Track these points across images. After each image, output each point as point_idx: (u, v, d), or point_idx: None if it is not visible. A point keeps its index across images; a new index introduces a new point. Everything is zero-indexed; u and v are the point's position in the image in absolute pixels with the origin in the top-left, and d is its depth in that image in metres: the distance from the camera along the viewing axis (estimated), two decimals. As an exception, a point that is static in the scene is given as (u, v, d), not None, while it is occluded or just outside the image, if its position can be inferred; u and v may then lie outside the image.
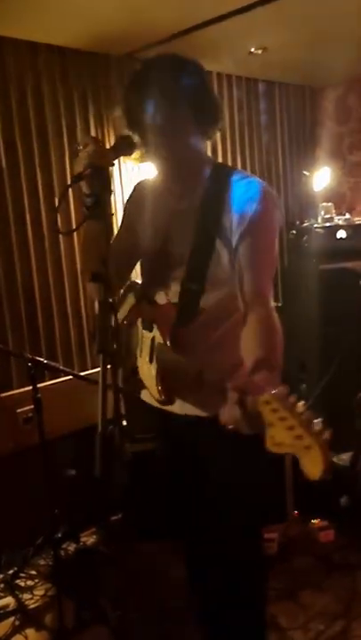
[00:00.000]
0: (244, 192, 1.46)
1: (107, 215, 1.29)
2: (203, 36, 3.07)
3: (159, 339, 1.56)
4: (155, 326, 1.58)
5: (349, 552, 2.69)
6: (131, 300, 1.73)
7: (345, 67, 3.96)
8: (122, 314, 1.73)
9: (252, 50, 3.38)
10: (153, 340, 1.58)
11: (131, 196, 1.73)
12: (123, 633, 2.09)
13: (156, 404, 1.62)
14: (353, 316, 3.06)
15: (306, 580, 2.51)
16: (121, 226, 1.73)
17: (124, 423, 3.01)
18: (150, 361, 1.58)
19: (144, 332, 1.64)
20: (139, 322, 1.67)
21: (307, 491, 2.95)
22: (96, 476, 1.09)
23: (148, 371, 1.60)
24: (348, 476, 2.80)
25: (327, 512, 2.91)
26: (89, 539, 2.85)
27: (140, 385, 1.67)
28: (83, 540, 2.73)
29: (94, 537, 2.87)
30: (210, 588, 1.73)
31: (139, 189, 1.71)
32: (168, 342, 1.53)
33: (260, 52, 3.39)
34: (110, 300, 1.24)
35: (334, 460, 3.13)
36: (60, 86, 3.10)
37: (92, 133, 3.23)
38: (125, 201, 1.76)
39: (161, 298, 1.60)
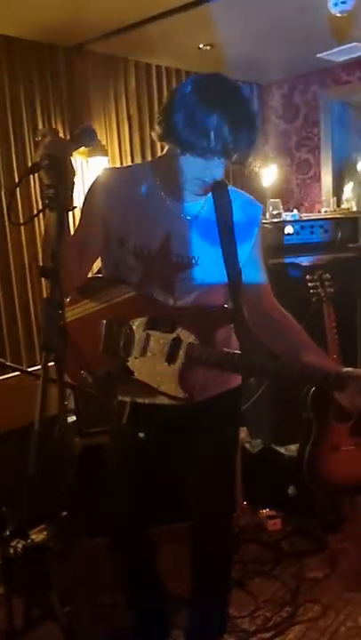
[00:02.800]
0: (244, 199, 1.66)
1: (62, 208, 1.26)
2: (152, 30, 3.07)
3: (190, 339, 1.56)
4: (179, 327, 1.56)
5: (297, 540, 2.76)
6: (111, 297, 1.64)
7: (289, 64, 4.05)
8: (95, 307, 1.65)
9: (201, 46, 3.40)
10: (177, 340, 1.56)
11: (99, 186, 1.60)
12: (73, 629, 2.08)
13: (150, 401, 1.61)
14: (300, 310, 3.12)
15: (255, 569, 2.56)
16: (88, 216, 1.61)
17: (74, 418, 2.97)
18: (170, 362, 1.56)
19: (151, 332, 1.58)
20: (137, 322, 1.59)
21: (255, 481, 3.01)
22: (30, 474, 1.07)
23: (161, 371, 1.57)
24: (296, 466, 2.86)
25: (275, 502, 2.97)
26: (39, 535, 2.82)
27: (127, 386, 1.62)
28: (32, 537, 2.70)
29: (44, 533, 2.84)
30: (210, 558, 1.89)
31: (112, 180, 1.60)
32: (208, 342, 1.57)
33: (208, 48, 3.42)
34: (58, 296, 1.22)
35: (282, 450, 3.21)
36: (6, 76, 3.04)
37: (39, 124, 3.19)
38: (92, 190, 1.61)
39: (163, 298, 1.60)
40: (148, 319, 1.58)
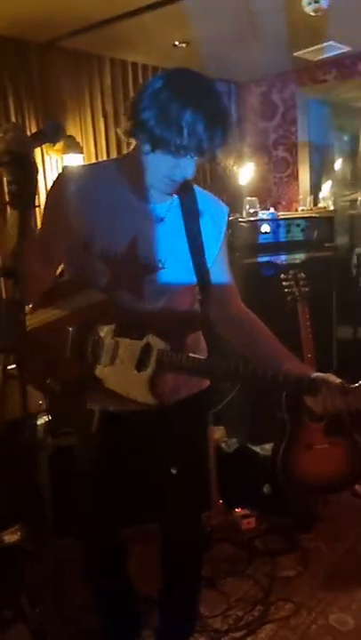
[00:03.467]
0: (210, 201, 1.65)
1: (25, 206, 1.24)
2: (126, 26, 3.06)
3: (160, 345, 1.51)
4: (149, 334, 1.52)
5: (270, 539, 2.77)
6: (78, 302, 1.58)
7: (266, 63, 4.05)
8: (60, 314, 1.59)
9: (176, 43, 3.39)
10: (147, 347, 1.52)
11: (63, 185, 1.53)
12: (43, 631, 2.07)
13: (119, 408, 1.58)
14: (275, 309, 3.13)
15: (228, 568, 2.56)
16: (50, 215, 1.55)
17: (48, 418, 2.93)
18: (139, 369, 1.52)
19: (120, 339, 1.53)
20: (105, 329, 1.54)
21: (231, 480, 3.01)
22: None
23: (130, 379, 1.53)
24: (270, 465, 2.86)
25: (250, 501, 2.98)
26: (12, 537, 2.79)
27: (96, 394, 1.58)
28: (5, 538, 2.68)
29: (18, 534, 2.82)
30: (180, 559, 1.91)
31: (75, 180, 1.53)
32: (178, 348, 1.53)
33: (183, 45, 3.40)
34: (18, 297, 1.21)
35: (257, 450, 3.21)
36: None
37: (12, 119, 3.15)
38: (54, 188, 1.55)
39: (131, 302, 1.56)
40: (116, 326, 1.53)
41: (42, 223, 1.57)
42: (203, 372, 1.59)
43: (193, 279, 1.60)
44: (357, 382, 1.51)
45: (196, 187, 1.63)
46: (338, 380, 1.49)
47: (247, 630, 2.19)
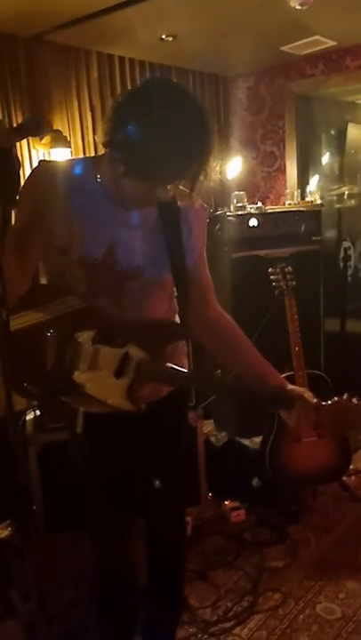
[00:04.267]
0: (191, 209, 1.57)
1: (6, 201, 1.22)
2: (113, 20, 3.04)
3: (140, 355, 1.51)
4: (129, 343, 1.51)
5: (259, 531, 2.80)
6: (57, 308, 1.55)
7: (254, 57, 4.05)
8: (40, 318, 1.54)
9: (163, 37, 3.38)
10: (126, 356, 1.51)
11: (39, 181, 1.46)
12: (34, 626, 2.07)
13: (101, 410, 1.56)
14: (263, 302, 3.15)
15: (217, 560, 2.58)
16: (26, 213, 1.47)
17: (37, 413, 2.93)
18: (118, 376, 1.51)
19: (100, 346, 1.50)
20: (84, 335, 1.51)
21: (220, 473, 3.03)
22: None
23: (109, 386, 1.52)
24: (259, 458, 2.89)
25: (239, 493, 3.00)
26: (3, 532, 2.80)
27: (76, 398, 1.56)
28: (-5, 533, 2.68)
29: (8, 530, 2.82)
30: (165, 552, 1.91)
31: (51, 176, 1.46)
32: (158, 357, 1.53)
33: (170, 39, 3.40)
34: (1, 295, 1.20)
35: (246, 443, 3.24)
36: None
37: (-1, 115, 3.14)
38: (30, 183, 1.47)
39: (110, 309, 1.53)
40: (96, 332, 1.50)
41: (15, 220, 1.49)
42: (182, 384, 1.59)
43: (171, 286, 1.59)
44: (330, 400, 1.55)
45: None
46: (313, 398, 1.53)
47: (236, 621, 2.22)
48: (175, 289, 1.59)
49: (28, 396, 1.54)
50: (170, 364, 1.57)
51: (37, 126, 1.38)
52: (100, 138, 1.38)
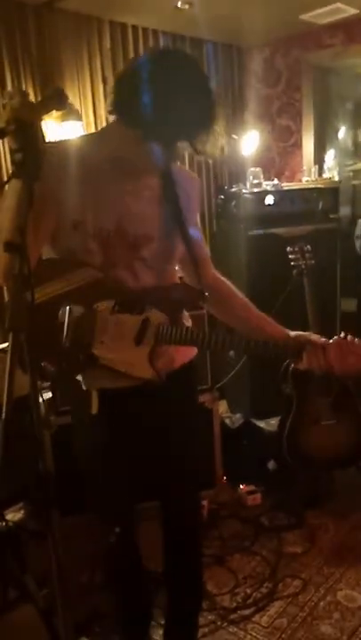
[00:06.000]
0: (181, 172, 1.65)
1: (30, 176, 1.17)
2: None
3: (159, 318, 1.52)
4: (149, 308, 1.53)
5: (276, 514, 2.75)
6: (74, 280, 1.54)
7: (270, 27, 3.90)
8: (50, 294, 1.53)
9: (179, 5, 3.24)
10: (146, 321, 1.52)
11: (49, 161, 1.41)
12: (50, 611, 2.04)
13: (117, 385, 1.55)
14: (280, 281, 3.06)
15: (234, 545, 2.55)
16: (38, 190, 1.40)
17: (49, 395, 2.89)
18: (138, 343, 1.52)
19: (120, 315, 1.52)
20: (102, 305, 1.52)
21: (235, 456, 2.98)
22: None
23: (130, 354, 1.52)
24: (276, 440, 2.83)
25: (255, 477, 2.96)
26: (16, 515, 2.77)
27: (95, 372, 1.55)
28: (8, 517, 2.65)
29: (21, 513, 2.79)
30: (181, 532, 1.91)
31: (59, 155, 1.45)
32: (176, 322, 1.56)
33: (186, 6, 3.26)
34: (26, 273, 1.14)
35: (262, 425, 3.18)
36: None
37: (8, 85, 3.03)
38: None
39: (126, 280, 1.54)
40: (115, 302, 1.52)
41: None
42: (200, 344, 1.58)
43: (183, 252, 1.63)
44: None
45: None
46: (319, 339, 1.55)
47: (256, 608, 2.19)
48: (188, 253, 1.63)
49: (45, 376, 1.51)
50: (188, 326, 1.65)
51: (62, 99, 1.30)
52: (108, 107, 1.42)
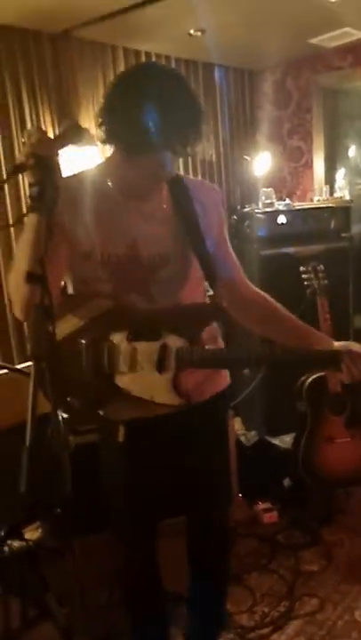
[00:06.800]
0: (198, 185, 1.64)
1: (50, 210, 1.22)
2: (141, 16, 3.00)
3: (178, 343, 1.49)
4: (164, 333, 1.50)
5: (292, 533, 2.76)
6: (86, 314, 1.54)
7: (281, 50, 3.99)
8: (72, 329, 1.54)
9: (191, 32, 3.33)
10: (164, 346, 1.49)
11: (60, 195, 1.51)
12: (69, 630, 2.07)
13: (143, 415, 1.55)
14: (293, 301, 3.09)
15: (251, 563, 2.56)
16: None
17: (65, 415, 2.92)
18: (160, 370, 1.50)
19: (136, 343, 1.50)
20: (118, 335, 1.51)
21: (250, 474, 3.00)
22: (21, 491, 1.04)
23: (153, 382, 1.51)
24: (291, 458, 2.85)
25: (271, 494, 2.97)
26: (34, 534, 2.79)
27: (116, 403, 1.55)
28: (27, 535, 2.68)
29: (39, 531, 2.82)
30: (210, 555, 1.89)
31: (70, 189, 1.46)
32: (196, 343, 1.52)
33: (198, 34, 3.35)
34: (47, 302, 1.17)
35: (277, 442, 3.20)
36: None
37: (27, 115, 3.12)
38: None
39: (141, 304, 1.53)
40: (129, 331, 1.50)
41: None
42: (226, 362, 1.58)
43: (199, 270, 1.58)
44: None
45: (181, 175, 1.64)
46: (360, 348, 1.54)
47: (274, 626, 2.19)
48: (202, 270, 1.59)
49: (70, 410, 1.52)
50: (209, 347, 1.57)
51: (78, 134, 1.36)
52: (98, 136, 1.44)
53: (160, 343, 1.50)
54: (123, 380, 1.51)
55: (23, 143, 1.28)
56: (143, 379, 1.51)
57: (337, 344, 1.59)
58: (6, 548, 2.43)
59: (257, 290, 1.70)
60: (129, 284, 1.53)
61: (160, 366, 1.50)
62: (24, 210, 2.77)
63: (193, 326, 1.53)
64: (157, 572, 1.89)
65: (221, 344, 1.67)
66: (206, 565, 1.91)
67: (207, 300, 1.69)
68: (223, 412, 1.83)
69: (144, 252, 1.52)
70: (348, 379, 1.53)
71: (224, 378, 1.73)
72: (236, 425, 3.62)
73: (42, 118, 3.21)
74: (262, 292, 1.70)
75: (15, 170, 1.27)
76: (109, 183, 1.51)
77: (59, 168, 1.27)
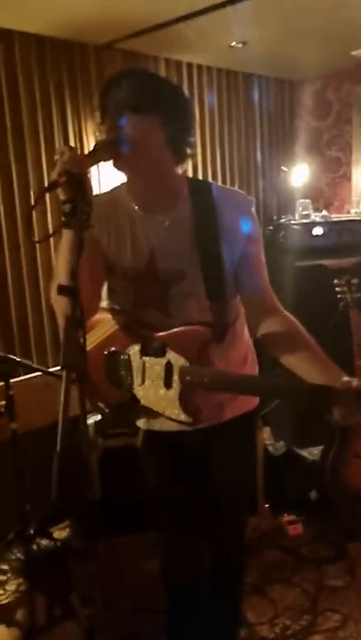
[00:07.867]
0: (230, 197, 1.57)
1: (81, 225, 1.24)
2: (184, 28, 3.04)
3: (180, 361, 1.49)
4: (168, 351, 1.50)
5: (317, 546, 2.75)
6: (107, 325, 1.64)
7: (322, 61, 3.98)
8: (97, 339, 1.64)
9: (233, 44, 3.36)
10: (169, 364, 1.50)
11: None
12: (92, 630, 2.11)
13: (163, 428, 1.60)
14: (326, 313, 3.09)
15: (275, 575, 2.56)
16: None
17: (98, 418, 2.98)
18: (167, 386, 1.51)
19: (146, 359, 1.55)
20: (133, 349, 1.58)
21: (277, 484, 3.00)
22: (53, 496, 1.08)
23: (162, 397, 1.53)
24: (318, 470, 2.84)
25: (297, 506, 2.96)
26: (62, 533, 2.86)
27: (140, 413, 1.63)
28: (55, 534, 2.74)
29: (67, 531, 2.88)
30: (228, 565, 1.87)
31: (97, 205, 1.48)
32: (199, 363, 1.50)
33: (240, 45, 3.37)
34: (78, 314, 1.21)
35: (305, 454, 3.18)
36: (36, 75, 3.05)
37: (70, 125, 3.20)
38: None
39: (157, 319, 1.56)
40: (141, 345, 1.56)
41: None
42: (230, 387, 1.53)
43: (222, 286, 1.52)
44: None
45: (214, 184, 1.58)
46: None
47: (295, 640, 2.20)
48: (204, 286, 1.52)
49: (103, 415, 1.62)
50: (218, 369, 1.53)
51: (109, 151, 1.41)
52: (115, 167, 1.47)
53: (165, 360, 1.52)
54: (139, 392, 1.59)
55: (55, 161, 1.32)
56: (155, 392, 1.55)
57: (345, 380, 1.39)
58: (35, 547, 2.50)
59: (287, 316, 1.58)
60: (147, 298, 1.56)
61: (167, 382, 1.52)
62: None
63: (190, 345, 1.51)
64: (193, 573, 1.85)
65: (251, 369, 1.67)
66: (216, 579, 1.86)
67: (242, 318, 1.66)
68: (248, 434, 1.81)
69: (159, 265, 1.54)
70: (344, 420, 1.44)
71: (250, 398, 1.70)
72: (265, 434, 3.63)
73: (84, 129, 3.27)
74: (294, 321, 1.58)
75: (48, 188, 1.30)
76: (127, 199, 1.54)
77: (90, 185, 1.30)
